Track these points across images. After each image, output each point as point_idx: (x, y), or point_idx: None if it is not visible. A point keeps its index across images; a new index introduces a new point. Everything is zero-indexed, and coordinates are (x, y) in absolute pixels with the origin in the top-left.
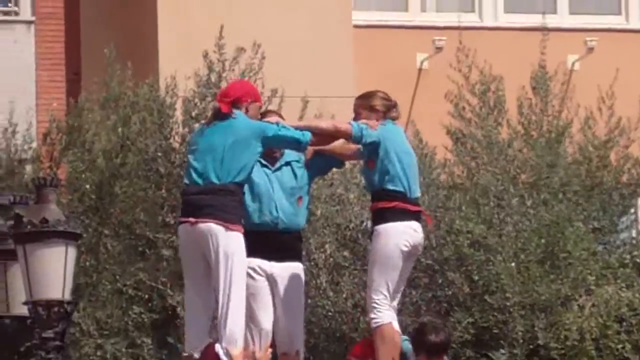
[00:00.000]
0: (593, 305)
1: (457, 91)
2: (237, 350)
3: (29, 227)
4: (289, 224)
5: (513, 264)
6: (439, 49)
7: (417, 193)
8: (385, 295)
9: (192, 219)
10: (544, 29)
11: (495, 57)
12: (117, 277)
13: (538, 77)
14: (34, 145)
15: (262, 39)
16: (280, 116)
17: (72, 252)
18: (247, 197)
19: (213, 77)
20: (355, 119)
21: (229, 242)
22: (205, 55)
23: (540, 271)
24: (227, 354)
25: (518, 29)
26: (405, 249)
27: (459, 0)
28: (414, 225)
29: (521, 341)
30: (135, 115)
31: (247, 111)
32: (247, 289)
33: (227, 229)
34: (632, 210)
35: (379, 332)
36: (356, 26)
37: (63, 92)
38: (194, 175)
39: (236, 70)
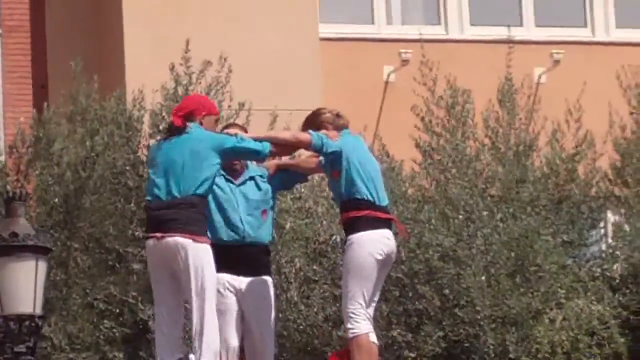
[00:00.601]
0: (564, 318)
1: (424, 105)
2: None
3: (11, 240)
4: (255, 238)
5: (483, 277)
6: (405, 62)
7: (385, 201)
8: (362, 305)
9: (158, 234)
10: (509, 42)
11: (461, 70)
12: (88, 291)
13: (504, 90)
14: (2, 158)
15: (230, 52)
16: (243, 129)
17: (42, 266)
18: (213, 212)
19: (180, 90)
20: None
21: (198, 254)
22: (172, 68)
23: (510, 284)
24: None
25: (484, 42)
26: (380, 257)
27: (424, 13)
28: (387, 233)
29: (492, 355)
30: (102, 128)
31: (201, 124)
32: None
33: (195, 241)
34: (602, 224)
35: (356, 343)
36: (323, 39)
37: (30, 105)
38: (156, 191)
39: (203, 83)
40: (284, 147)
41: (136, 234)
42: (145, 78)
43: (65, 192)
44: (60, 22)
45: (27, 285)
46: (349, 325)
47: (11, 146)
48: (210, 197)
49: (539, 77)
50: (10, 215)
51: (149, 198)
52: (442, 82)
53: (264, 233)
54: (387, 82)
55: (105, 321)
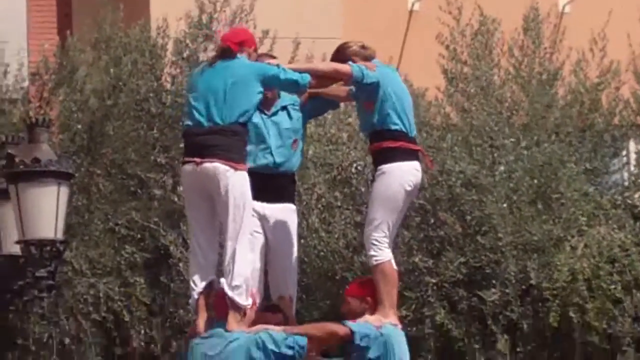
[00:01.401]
0: (585, 246)
1: (449, 34)
2: (243, 295)
3: (21, 166)
4: (285, 167)
5: (505, 205)
6: None
7: (415, 132)
8: (386, 234)
9: (197, 159)
10: None
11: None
12: (109, 216)
13: (530, 19)
14: (26, 83)
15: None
16: (274, 58)
17: (64, 191)
18: None
19: (204, 18)
20: None
21: (237, 182)
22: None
23: (532, 212)
24: (232, 287)
25: None
26: (409, 188)
27: None
28: (416, 165)
29: (513, 281)
30: (126, 56)
31: (249, 56)
32: None
33: (235, 169)
34: (624, 153)
35: (380, 269)
36: None
37: (54, 33)
38: (197, 116)
39: (227, 12)
40: (323, 78)
41: (158, 160)
42: (170, 6)
43: (89, 119)
44: None
45: (48, 210)
46: (372, 253)
47: (34, 73)
48: None
49: (564, 7)
50: (33, 141)
51: (189, 123)
52: (467, 11)
53: (294, 162)
54: (411, 12)
55: (126, 246)
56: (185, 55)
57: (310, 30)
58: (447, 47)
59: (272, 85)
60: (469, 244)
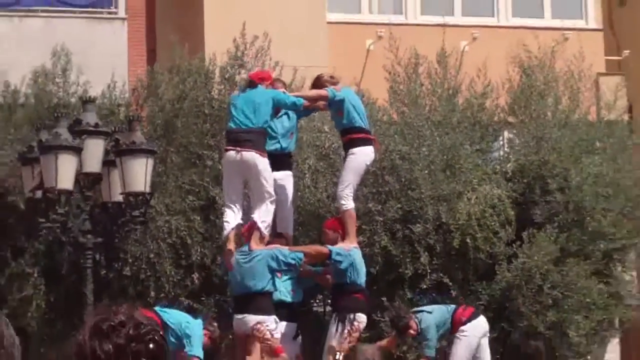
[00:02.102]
0: (476, 198)
1: (391, 64)
2: (264, 229)
3: (123, 146)
4: (286, 149)
5: (426, 171)
6: (380, 37)
7: (368, 126)
8: (352, 191)
9: (238, 148)
10: (444, 25)
11: (415, 42)
12: (178, 177)
13: (442, 55)
14: (127, 95)
15: (270, 29)
16: (284, 82)
17: (150, 162)
18: None
19: (238, 54)
20: None
21: (265, 165)
22: (234, 40)
23: (443, 176)
24: (261, 222)
25: (430, 25)
26: (368, 163)
27: (393, 5)
28: (372, 148)
29: (431, 219)
30: (190, 77)
31: (265, 87)
32: None
33: (262, 156)
34: (500, 139)
35: (348, 213)
36: (328, 22)
37: (145, 62)
38: (237, 121)
39: (253, 49)
40: (311, 99)
41: (209, 143)
42: (217, 45)
43: (166, 117)
44: (164, 8)
45: (141, 173)
46: (342, 202)
47: (133, 88)
48: None
49: (463, 47)
50: (131, 130)
51: (231, 125)
52: (402, 50)
53: (291, 146)
54: (368, 50)
55: (189, 197)
56: (226, 76)
57: (306, 61)
58: (389, 72)
59: (281, 105)
60: (403, 196)
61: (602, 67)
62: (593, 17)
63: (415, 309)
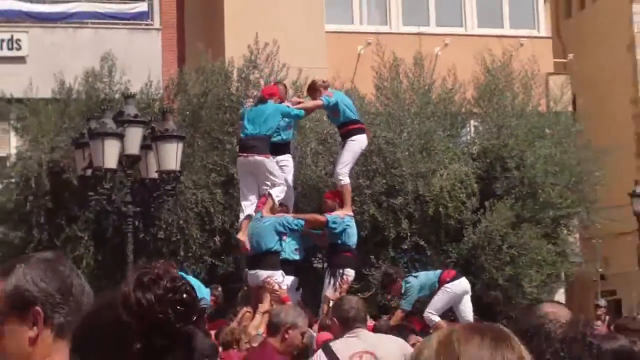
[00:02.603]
0: (447, 174)
1: (377, 66)
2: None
3: (158, 133)
4: (286, 138)
5: (407, 153)
6: (369, 44)
7: (358, 118)
8: (348, 169)
9: (246, 154)
10: (421, 33)
11: (398, 48)
12: (203, 158)
13: (418, 59)
14: (161, 91)
15: (280, 37)
16: (285, 85)
17: (180, 145)
18: None
19: (252, 57)
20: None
21: (269, 164)
22: (249, 47)
23: (420, 156)
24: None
25: (410, 33)
26: (363, 148)
27: (379, 17)
28: (365, 136)
29: (410, 192)
30: (213, 77)
31: (274, 101)
32: None
33: (266, 157)
34: (467, 126)
35: (345, 188)
36: (327, 32)
37: (176, 65)
38: (247, 131)
39: (264, 55)
40: (310, 109)
41: (228, 130)
42: (235, 51)
43: (193, 109)
44: (192, 20)
45: (172, 155)
46: (340, 178)
47: (166, 86)
48: None
49: (437, 52)
50: (164, 119)
51: (242, 135)
52: (387, 54)
53: (290, 136)
54: (359, 54)
55: (212, 174)
56: (242, 76)
57: (307, 63)
58: (376, 72)
59: (286, 117)
60: (387, 173)
61: (550, 68)
62: (544, 27)
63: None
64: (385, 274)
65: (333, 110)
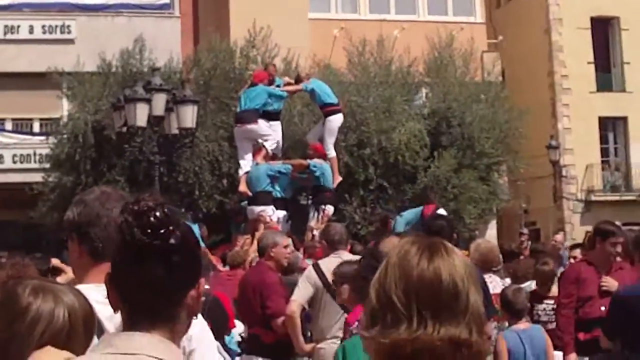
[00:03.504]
0: (405, 130)
1: (349, 47)
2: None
3: (178, 98)
4: (278, 108)
5: (372, 114)
6: (342, 28)
7: (336, 100)
8: (331, 145)
9: (240, 124)
10: (383, 20)
11: (365, 31)
12: (213, 118)
13: (381, 40)
14: (180, 66)
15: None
16: (274, 65)
17: (195, 108)
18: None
19: (251, 39)
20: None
21: (256, 127)
22: (248, 31)
23: (383, 116)
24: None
25: (374, 20)
26: (339, 125)
27: (351, 6)
28: (341, 114)
29: (375, 144)
30: (220, 54)
31: (263, 84)
32: None
33: (255, 123)
34: (420, 92)
35: (333, 159)
36: (310, 19)
37: (192, 44)
38: (242, 107)
39: (260, 36)
40: (292, 92)
41: (233, 96)
42: (238, 34)
43: (205, 79)
44: (204, 9)
45: (189, 115)
46: (328, 152)
47: (184, 62)
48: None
49: (396, 34)
50: (183, 88)
51: (238, 110)
52: (356, 37)
53: (280, 106)
54: (335, 36)
55: (220, 130)
56: (244, 54)
57: (296, 43)
58: (348, 51)
59: (273, 96)
60: (357, 129)
61: (484, 47)
62: (479, 14)
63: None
64: (384, 216)
65: (311, 94)
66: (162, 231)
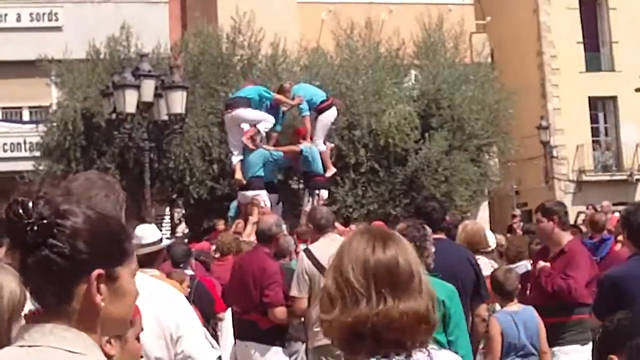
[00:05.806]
0: (394, 112)
1: (337, 30)
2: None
3: (167, 84)
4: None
5: (362, 97)
6: (330, 11)
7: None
8: (322, 139)
9: (228, 110)
10: (371, 2)
11: (353, 14)
12: (202, 103)
13: (369, 23)
14: (168, 51)
15: (260, 9)
16: (289, 85)
17: (184, 94)
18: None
19: (236, 25)
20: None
21: (244, 112)
22: (231, 17)
23: (372, 99)
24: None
25: (362, 3)
26: (332, 120)
27: None
28: (335, 109)
29: (365, 126)
30: (207, 39)
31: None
32: None
33: (244, 109)
34: (409, 75)
35: (324, 153)
36: (297, 2)
37: (180, 30)
38: (231, 97)
39: (245, 21)
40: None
41: (222, 81)
42: (224, 19)
43: (193, 65)
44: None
45: (178, 101)
46: (319, 147)
47: (171, 47)
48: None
49: (384, 17)
50: (171, 73)
51: (228, 98)
52: (344, 21)
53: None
54: (322, 20)
55: (210, 115)
56: (230, 39)
57: (283, 28)
58: (335, 34)
59: (263, 98)
60: (347, 112)
61: (473, 28)
62: None
63: None
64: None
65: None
66: (19, 226)
